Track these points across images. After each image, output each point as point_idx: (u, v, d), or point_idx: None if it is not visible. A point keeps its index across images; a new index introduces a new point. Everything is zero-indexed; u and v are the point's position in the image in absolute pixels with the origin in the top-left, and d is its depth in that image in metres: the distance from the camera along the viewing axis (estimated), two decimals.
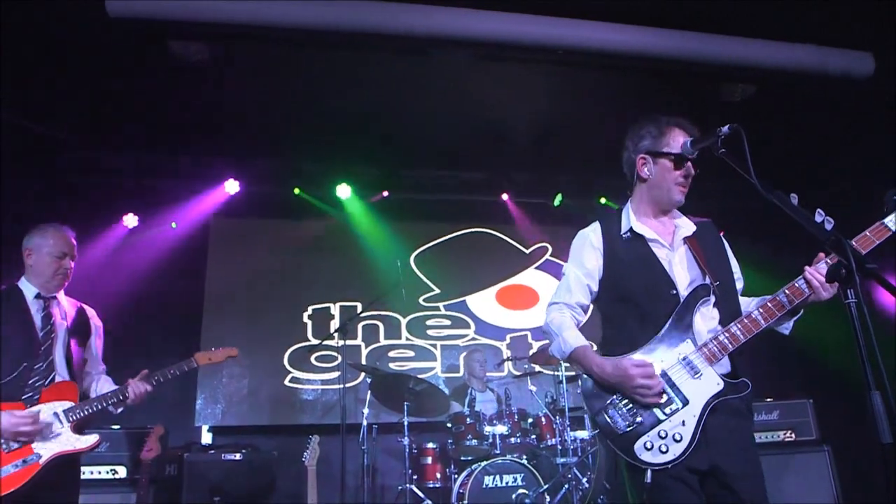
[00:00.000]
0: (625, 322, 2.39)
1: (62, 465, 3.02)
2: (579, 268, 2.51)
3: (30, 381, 3.06)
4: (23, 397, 3.02)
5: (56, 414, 3.05)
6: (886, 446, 1.58)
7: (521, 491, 4.95)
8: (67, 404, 3.10)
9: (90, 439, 3.11)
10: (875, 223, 2.24)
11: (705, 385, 2.25)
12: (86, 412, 3.12)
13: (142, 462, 4.15)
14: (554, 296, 2.57)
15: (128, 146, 6.22)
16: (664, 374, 2.25)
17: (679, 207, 2.53)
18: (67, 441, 3.04)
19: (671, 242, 2.43)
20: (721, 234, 2.56)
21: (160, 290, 6.44)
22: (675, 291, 2.33)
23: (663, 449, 2.17)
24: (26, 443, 2.93)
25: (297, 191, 6.95)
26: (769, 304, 2.26)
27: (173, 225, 6.81)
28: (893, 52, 4.72)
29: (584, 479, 5.39)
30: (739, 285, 2.50)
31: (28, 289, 3.27)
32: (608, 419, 2.25)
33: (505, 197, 7.43)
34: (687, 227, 2.49)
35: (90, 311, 3.51)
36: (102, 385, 3.40)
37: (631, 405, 2.24)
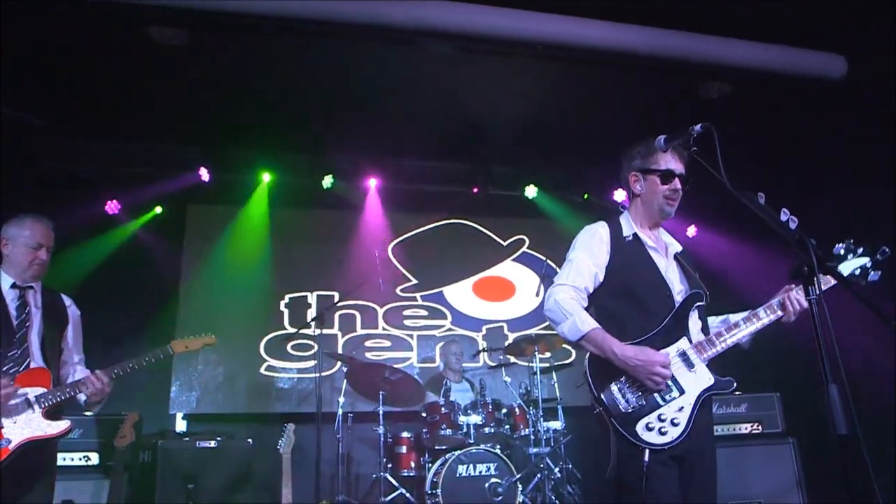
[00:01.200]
0: (626, 314, 2.55)
1: (35, 451, 3.01)
2: (590, 256, 2.64)
3: (3, 368, 3.05)
4: None
5: (28, 399, 3.04)
6: (842, 437, 1.64)
7: (493, 480, 5.02)
8: (40, 390, 3.09)
9: (61, 425, 3.09)
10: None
11: (699, 378, 2.47)
12: (57, 398, 3.11)
13: (115, 449, 4.13)
14: (561, 277, 2.66)
15: (105, 133, 6.14)
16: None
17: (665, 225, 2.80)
18: (38, 426, 3.03)
19: (665, 254, 2.70)
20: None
21: (135, 277, 6.40)
22: (669, 294, 2.57)
23: (663, 431, 2.35)
24: None
25: (268, 176, 6.91)
26: (750, 315, 2.57)
27: (157, 209, 6.78)
28: (866, 55, 4.82)
29: (557, 469, 5.48)
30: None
31: (4, 278, 3.26)
32: (615, 398, 2.40)
33: (480, 190, 7.46)
34: (674, 245, 2.76)
35: (68, 301, 3.50)
36: (78, 375, 3.39)
37: (636, 388, 2.42)
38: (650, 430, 2.35)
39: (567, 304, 2.55)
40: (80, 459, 4.52)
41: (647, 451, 2.32)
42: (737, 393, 5.26)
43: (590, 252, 2.64)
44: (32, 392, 3.08)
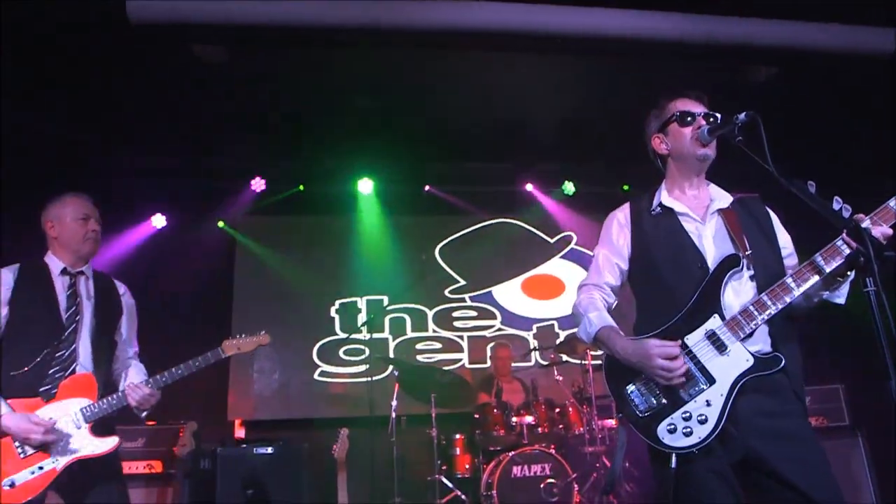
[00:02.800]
0: (652, 301, 2.34)
1: (85, 467, 2.75)
2: (607, 247, 2.49)
3: (49, 372, 2.79)
4: (40, 390, 2.76)
5: (73, 414, 2.77)
6: None
7: (549, 480, 4.97)
8: (85, 402, 2.81)
9: (109, 442, 2.80)
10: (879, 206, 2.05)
11: (734, 362, 2.11)
12: (104, 412, 2.83)
13: (176, 457, 4.25)
14: (584, 279, 2.54)
15: (154, 148, 6.32)
16: (689, 352, 2.15)
17: (725, 187, 2.46)
18: (85, 445, 2.75)
19: (703, 216, 2.35)
20: (769, 209, 2.44)
21: (189, 289, 6.56)
22: (703, 266, 2.23)
23: (687, 431, 2.06)
24: (42, 447, 2.69)
25: (301, 187, 7.03)
26: (802, 268, 2.10)
27: (221, 224, 6.98)
28: None
29: None
30: (791, 261, 2.34)
31: (53, 264, 2.99)
32: (630, 401, 2.19)
33: (529, 187, 7.42)
34: (723, 199, 2.40)
35: (122, 288, 3.22)
36: (132, 375, 3.09)
37: (654, 387, 2.16)
38: (672, 432, 2.08)
39: (582, 305, 2.42)
40: (144, 468, 4.65)
41: (674, 456, 2.05)
42: (803, 384, 5.09)
43: (608, 242, 2.49)
44: (77, 405, 2.79)
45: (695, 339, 2.17)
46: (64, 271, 2.98)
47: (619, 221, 2.49)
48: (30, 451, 2.67)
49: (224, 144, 6.37)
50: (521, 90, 5.75)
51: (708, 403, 2.08)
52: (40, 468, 2.66)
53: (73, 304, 2.93)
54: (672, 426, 2.09)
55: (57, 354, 2.82)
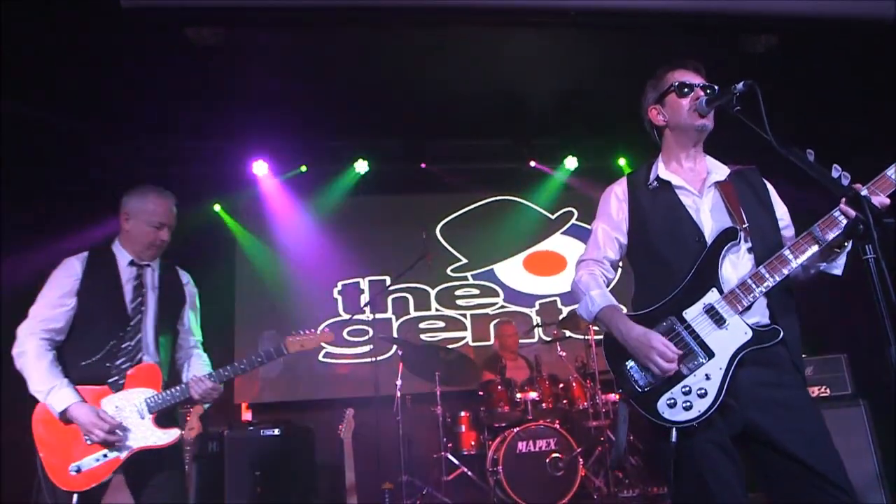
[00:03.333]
0: (650, 275, 2.34)
1: (149, 456, 2.79)
2: (606, 221, 2.46)
3: (117, 363, 2.84)
4: (109, 381, 2.81)
5: (138, 404, 2.81)
6: None
7: (555, 455, 5.01)
8: (150, 392, 2.85)
9: (172, 434, 2.84)
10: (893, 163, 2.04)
11: (732, 335, 2.11)
12: (167, 403, 2.86)
13: (184, 440, 4.28)
14: (582, 254, 2.51)
15: (152, 134, 6.28)
16: (688, 326, 2.15)
17: (719, 158, 2.45)
18: (149, 436, 2.79)
19: (700, 189, 2.34)
20: (765, 180, 2.43)
21: (190, 272, 6.55)
22: (700, 239, 2.23)
23: (686, 405, 2.06)
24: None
25: (303, 168, 6.99)
26: (800, 239, 2.11)
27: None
28: None
29: None
30: (788, 232, 2.35)
31: (121, 254, 3.02)
32: (630, 377, 2.18)
33: (532, 164, 7.38)
34: (719, 171, 2.39)
35: (185, 277, 3.26)
36: (195, 366, 3.13)
37: None
38: (672, 406, 2.08)
39: (582, 283, 2.39)
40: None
41: (674, 430, 2.05)
42: (802, 355, 5.10)
43: (606, 217, 2.46)
44: (142, 395, 2.84)
45: (693, 313, 2.16)
46: (132, 262, 3.02)
47: (617, 195, 2.46)
48: (95, 438, 2.72)
49: (222, 128, 6.33)
50: (518, 65, 5.69)
51: (707, 377, 2.08)
52: (105, 455, 2.72)
53: (138, 294, 2.98)
54: (672, 400, 2.09)
55: (123, 345, 2.87)
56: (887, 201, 1.99)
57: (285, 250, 7.07)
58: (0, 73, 4.67)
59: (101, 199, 6.18)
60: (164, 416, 2.87)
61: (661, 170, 2.40)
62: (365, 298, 7.02)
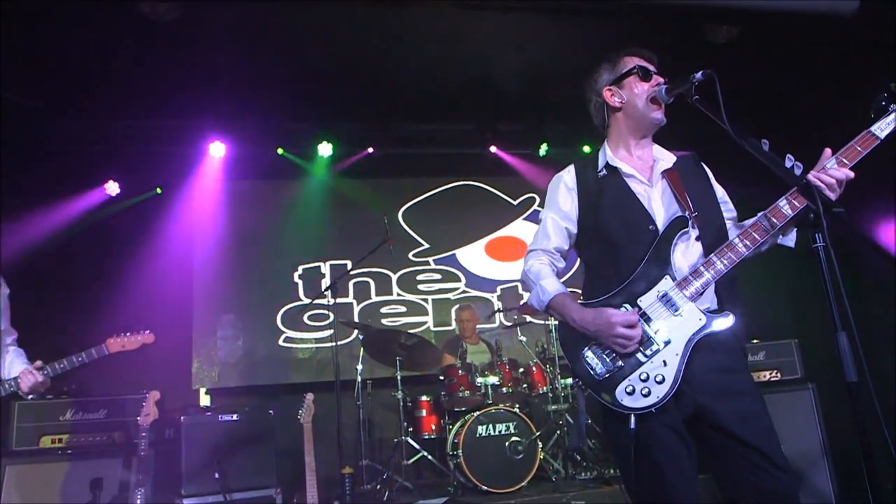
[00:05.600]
0: (602, 263, 2.32)
1: None
2: (555, 211, 2.44)
3: None
4: None
5: None
6: (852, 384, 1.62)
7: (514, 438, 5.06)
8: None
9: None
10: (861, 132, 2.10)
11: (687, 322, 2.14)
12: None
13: (140, 426, 4.21)
14: (531, 243, 2.50)
15: (106, 112, 6.10)
16: (643, 314, 2.17)
17: (663, 144, 2.47)
18: None
19: (649, 177, 2.35)
20: (703, 165, 2.47)
21: (146, 256, 6.44)
22: (653, 227, 2.24)
23: (645, 392, 2.08)
24: None
25: (280, 151, 6.89)
26: (749, 229, 2.15)
27: (158, 190, 6.76)
28: None
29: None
30: (729, 214, 2.40)
31: None
32: (587, 366, 2.17)
33: (493, 149, 7.37)
34: (666, 159, 2.40)
35: None
36: (13, 362, 3.11)
37: (610, 350, 2.16)
38: (630, 393, 2.09)
39: (532, 272, 2.40)
40: (107, 439, 4.61)
41: (633, 416, 2.07)
42: (755, 340, 5.24)
43: (555, 206, 2.43)
44: None
45: (648, 300, 2.18)
46: None
47: (567, 184, 2.45)
48: None
49: (178, 107, 6.17)
50: (482, 49, 5.68)
51: (664, 363, 2.11)
52: None
53: None
54: (630, 387, 2.11)
55: None
56: (851, 174, 2.03)
57: (244, 234, 6.96)
58: None
59: (49, 171, 6.05)
60: None
61: (610, 156, 2.39)
62: (326, 282, 6.97)
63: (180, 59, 5.41)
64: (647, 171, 2.37)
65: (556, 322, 5.60)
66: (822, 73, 5.81)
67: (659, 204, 2.30)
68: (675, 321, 2.15)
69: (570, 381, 5.69)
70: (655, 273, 2.19)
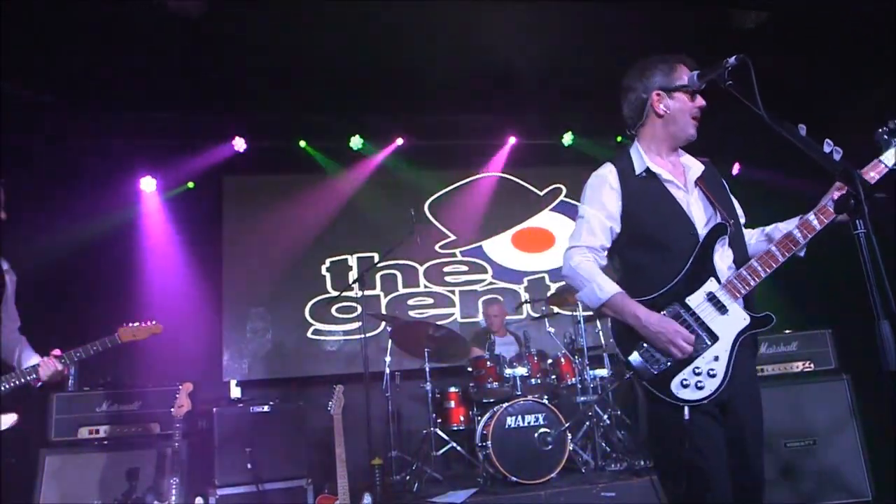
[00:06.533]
0: (646, 264, 2.37)
1: None
2: (600, 209, 2.44)
3: None
4: None
5: None
6: (893, 374, 1.59)
7: (543, 430, 5.05)
8: None
9: (9, 419, 2.82)
10: (871, 161, 2.23)
11: (733, 320, 2.28)
12: (2, 389, 2.82)
13: (174, 417, 4.28)
14: (574, 239, 2.49)
15: (131, 108, 6.18)
16: (692, 312, 2.28)
17: (685, 147, 2.54)
18: None
19: (685, 184, 2.43)
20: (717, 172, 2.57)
21: (178, 252, 6.54)
22: (693, 233, 2.34)
23: (700, 385, 2.20)
24: None
25: (302, 143, 6.94)
26: (784, 238, 2.28)
27: (190, 185, 6.86)
28: None
29: (605, 416, 5.49)
30: (742, 220, 2.53)
31: None
32: (642, 361, 2.25)
33: (513, 140, 7.34)
34: (696, 167, 2.49)
35: (5, 265, 3.13)
36: (25, 356, 3.09)
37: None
38: (685, 386, 2.20)
39: (583, 269, 2.39)
40: (142, 430, 4.69)
41: (687, 408, 2.18)
42: (787, 331, 5.16)
43: (600, 204, 2.44)
44: None
45: (696, 300, 2.29)
46: None
47: (611, 184, 2.45)
48: None
49: (207, 103, 6.23)
50: (504, 39, 5.64)
51: (716, 358, 2.24)
52: None
53: None
54: (685, 381, 2.21)
55: None
56: (878, 176, 2.13)
57: (273, 228, 7.01)
58: None
59: (80, 169, 6.15)
60: None
61: (648, 161, 2.45)
62: (353, 275, 7.00)
63: (205, 54, 5.45)
64: (681, 177, 2.47)
65: (586, 315, 5.62)
66: (852, 60, 5.68)
67: (697, 209, 2.41)
68: (722, 320, 2.28)
69: (599, 372, 5.67)
70: (700, 276, 2.32)
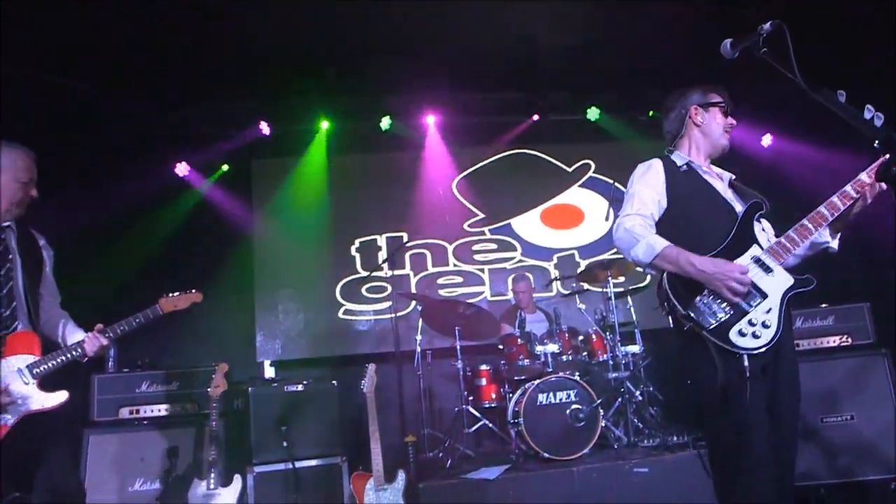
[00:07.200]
0: (688, 237, 2.56)
1: (37, 423, 2.79)
2: (650, 186, 2.70)
3: None
4: None
5: (20, 370, 2.78)
6: None
7: (575, 406, 5.03)
8: (31, 359, 2.82)
9: (59, 397, 2.84)
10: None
11: (779, 280, 2.47)
12: (50, 366, 2.84)
13: (210, 397, 4.37)
14: (625, 210, 2.70)
15: (157, 95, 6.25)
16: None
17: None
18: (36, 400, 2.78)
19: (721, 180, 2.79)
20: None
21: (209, 235, 6.63)
22: (732, 211, 2.63)
23: (757, 334, 2.37)
24: None
25: (326, 124, 6.94)
26: (822, 209, 2.49)
27: (224, 167, 6.97)
28: None
29: (637, 392, 5.47)
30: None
31: None
32: (700, 311, 2.40)
33: (541, 118, 7.26)
34: (727, 175, 2.86)
35: (41, 239, 3.11)
36: (69, 331, 3.08)
37: (720, 298, 2.41)
38: (743, 335, 2.36)
39: (637, 229, 2.59)
40: (181, 409, 4.79)
41: (745, 356, 2.33)
42: (823, 305, 5.06)
43: (650, 182, 2.71)
44: (22, 361, 2.80)
45: (743, 262, 2.48)
46: None
47: (657, 169, 2.74)
48: None
49: (235, 87, 6.28)
50: (531, 17, 5.57)
51: (769, 311, 2.42)
52: None
53: (5, 261, 2.85)
54: (742, 331, 2.38)
55: None
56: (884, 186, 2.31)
57: (302, 209, 7.07)
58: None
59: (114, 157, 6.26)
60: (48, 380, 2.84)
61: (688, 158, 2.78)
62: (383, 255, 7.03)
63: (232, 39, 5.48)
64: (715, 176, 2.81)
65: (617, 291, 5.60)
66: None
67: (733, 198, 2.72)
68: (769, 279, 2.47)
69: (631, 348, 5.64)
70: (745, 242, 2.54)
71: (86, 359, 2.98)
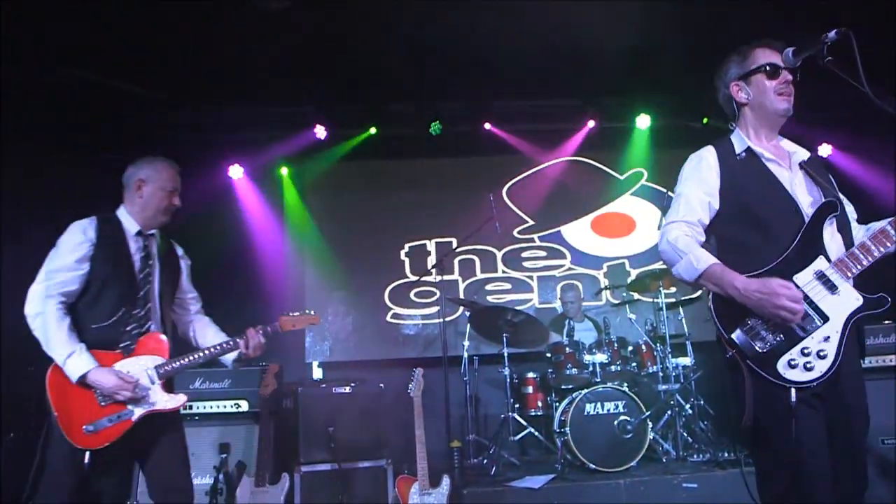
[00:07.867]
0: (749, 241, 2.30)
1: (157, 420, 2.92)
2: (698, 185, 2.40)
3: (127, 329, 2.92)
4: (121, 345, 2.90)
5: (147, 371, 2.91)
6: None
7: (623, 417, 4.98)
8: (159, 360, 2.95)
9: (179, 399, 2.98)
10: None
11: (844, 300, 2.16)
12: (176, 367, 2.97)
13: (261, 397, 4.46)
14: (671, 214, 2.43)
15: (212, 100, 6.43)
16: (800, 292, 2.15)
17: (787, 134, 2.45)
18: (158, 400, 2.92)
19: (789, 165, 2.38)
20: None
21: (263, 238, 6.77)
22: (797, 210, 2.26)
23: (809, 366, 2.10)
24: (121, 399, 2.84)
25: (372, 130, 7.01)
26: None
27: (283, 171, 7.13)
28: None
29: (687, 405, 5.36)
30: (853, 216, 2.41)
31: (128, 224, 3.05)
32: (746, 338, 2.16)
33: (596, 124, 7.20)
34: (801, 152, 2.44)
35: (180, 251, 3.32)
36: (205, 331, 3.27)
37: (769, 323, 2.15)
38: (793, 367, 2.09)
39: (681, 243, 2.32)
40: (232, 407, 4.90)
41: (793, 389, 2.07)
42: (886, 322, 4.88)
43: (698, 180, 2.40)
44: (150, 361, 2.94)
45: (805, 278, 2.19)
46: (139, 233, 3.07)
47: (708, 161, 2.42)
48: (109, 400, 2.82)
49: (289, 92, 6.41)
50: (585, 22, 5.53)
51: (827, 339, 2.12)
52: (118, 417, 2.83)
53: (145, 265, 3.04)
54: (793, 361, 2.11)
55: (134, 312, 2.95)
56: None
57: (353, 213, 7.16)
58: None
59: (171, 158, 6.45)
60: (167, 382, 2.98)
61: (749, 142, 2.41)
62: (432, 260, 7.06)
63: (287, 47, 5.59)
64: (785, 159, 2.41)
65: (668, 301, 5.49)
66: None
67: (801, 190, 2.33)
68: (833, 299, 2.16)
69: (682, 360, 5.53)
70: (809, 253, 2.21)
71: (240, 358, 3.15)
